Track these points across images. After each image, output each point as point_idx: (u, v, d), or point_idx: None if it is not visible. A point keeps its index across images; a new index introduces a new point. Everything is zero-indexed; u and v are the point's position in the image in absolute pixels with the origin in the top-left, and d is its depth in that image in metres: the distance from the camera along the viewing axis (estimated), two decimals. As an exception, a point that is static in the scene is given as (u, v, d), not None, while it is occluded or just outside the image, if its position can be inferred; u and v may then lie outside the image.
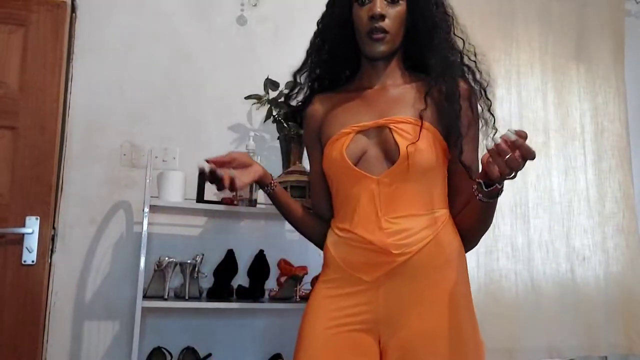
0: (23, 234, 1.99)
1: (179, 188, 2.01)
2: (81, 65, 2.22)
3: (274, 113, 2.21)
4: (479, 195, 1.10)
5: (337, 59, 1.33)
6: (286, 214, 1.37)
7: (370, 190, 1.19)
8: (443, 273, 1.17)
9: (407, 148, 1.16)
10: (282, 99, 2.22)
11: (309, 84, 1.37)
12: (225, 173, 1.15)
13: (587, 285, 2.68)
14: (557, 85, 2.83)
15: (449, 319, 1.12)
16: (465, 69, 1.26)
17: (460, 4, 2.67)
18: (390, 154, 1.20)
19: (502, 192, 1.09)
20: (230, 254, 2.05)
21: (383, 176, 1.19)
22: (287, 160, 2.15)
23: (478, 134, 1.26)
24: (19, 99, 2.06)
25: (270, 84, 2.25)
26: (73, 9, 2.21)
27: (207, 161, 1.16)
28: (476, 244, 1.27)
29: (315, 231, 1.34)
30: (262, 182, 1.32)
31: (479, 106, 1.26)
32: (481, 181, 1.08)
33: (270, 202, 1.42)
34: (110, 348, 2.12)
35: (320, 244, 1.32)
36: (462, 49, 1.28)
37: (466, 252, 1.25)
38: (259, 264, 2.05)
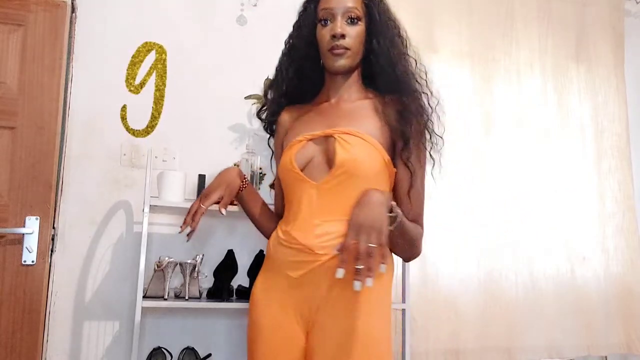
0: (23, 234, 1.99)
1: (179, 188, 2.01)
2: (81, 65, 2.22)
3: (274, 113, 2.20)
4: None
5: (304, 76, 1.44)
6: (247, 214, 1.52)
7: (310, 194, 1.29)
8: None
9: (343, 157, 1.26)
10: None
11: (278, 99, 1.49)
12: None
13: (587, 285, 2.69)
14: (557, 85, 2.83)
15: (357, 320, 1.20)
16: (418, 89, 1.36)
17: (460, 4, 2.71)
18: (331, 162, 1.29)
19: (395, 225, 1.15)
20: (230, 254, 2.05)
21: (322, 182, 1.28)
22: (287, 160, 2.15)
23: (423, 151, 1.33)
24: (18, 99, 2.06)
25: (270, 84, 2.25)
26: (73, 9, 2.21)
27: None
28: (409, 258, 1.36)
29: (267, 231, 1.46)
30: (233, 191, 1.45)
31: (428, 125, 1.34)
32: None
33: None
34: (110, 348, 2.12)
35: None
36: (415, 69, 1.39)
37: (406, 260, 1.38)
38: (259, 264, 2.04)
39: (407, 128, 1.28)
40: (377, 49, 1.35)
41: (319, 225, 1.26)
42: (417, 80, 1.36)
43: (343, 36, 1.32)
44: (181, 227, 1.39)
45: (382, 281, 1.24)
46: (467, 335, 2.45)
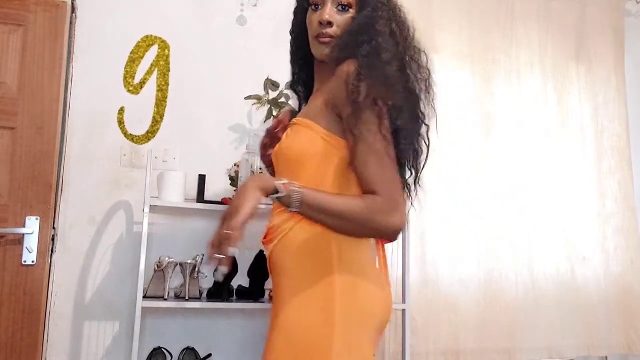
0: (23, 234, 1.99)
1: (179, 188, 2.01)
2: (81, 65, 2.22)
3: (274, 113, 2.21)
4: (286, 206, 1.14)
5: (309, 63, 1.36)
6: None
7: None
8: (287, 271, 1.17)
9: (277, 145, 1.25)
10: (282, 99, 2.22)
11: (301, 88, 1.43)
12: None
13: (587, 285, 2.69)
14: (557, 85, 2.83)
15: (283, 311, 1.15)
16: (369, 51, 1.18)
17: (460, 4, 2.71)
18: None
19: (294, 204, 1.10)
20: (230, 254, 2.04)
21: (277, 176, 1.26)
22: (287, 160, 2.15)
23: (364, 118, 1.13)
24: (18, 99, 2.06)
25: (270, 84, 2.25)
26: (73, 9, 2.21)
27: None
28: (377, 234, 1.19)
29: None
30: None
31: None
32: (272, 197, 1.11)
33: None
34: (110, 348, 2.12)
35: None
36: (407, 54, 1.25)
37: (388, 239, 1.21)
38: (259, 264, 2.05)
39: (345, 94, 1.14)
40: (350, 22, 1.23)
41: (271, 218, 1.23)
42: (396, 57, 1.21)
43: (330, 23, 1.23)
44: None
45: (317, 269, 1.15)
46: (467, 335, 2.45)
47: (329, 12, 1.24)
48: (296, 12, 1.38)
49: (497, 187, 2.62)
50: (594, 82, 2.90)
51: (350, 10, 1.25)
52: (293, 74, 1.44)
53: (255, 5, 2.46)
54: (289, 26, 1.44)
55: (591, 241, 2.74)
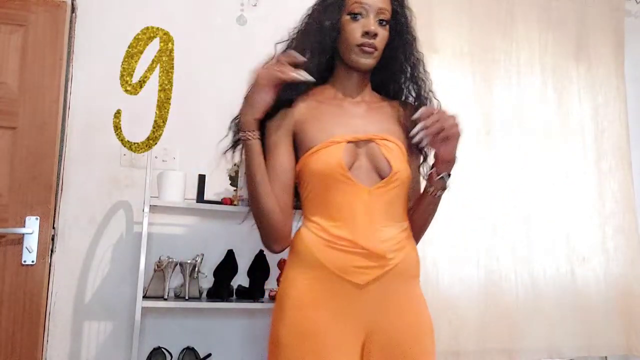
0: (23, 234, 1.99)
1: (179, 188, 2.01)
2: (81, 65, 2.22)
3: (274, 113, 2.20)
4: (436, 191, 1.34)
5: (315, 64, 1.35)
6: (256, 176, 1.31)
7: (363, 199, 1.27)
8: (415, 279, 1.37)
9: (398, 165, 1.31)
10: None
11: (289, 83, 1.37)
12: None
13: (587, 286, 2.68)
14: (557, 85, 2.83)
15: (417, 317, 1.35)
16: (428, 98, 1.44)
17: (460, 4, 2.71)
18: (379, 168, 1.30)
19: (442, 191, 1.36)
20: (230, 254, 2.05)
21: (375, 187, 1.29)
22: (287, 160, 2.14)
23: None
24: (19, 99, 2.06)
25: (270, 84, 2.25)
26: (73, 9, 2.21)
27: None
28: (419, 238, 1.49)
29: (265, 206, 1.30)
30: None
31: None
32: (444, 174, 1.33)
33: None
34: (110, 348, 2.12)
35: (269, 227, 1.31)
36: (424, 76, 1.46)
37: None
38: (259, 264, 2.05)
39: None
40: (399, 57, 1.39)
41: (380, 230, 1.27)
42: (430, 89, 1.44)
43: (375, 35, 1.31)
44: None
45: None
46: (467, 335, 2.45)
47: (374, 23, 1.32)
48: (322, 13, 1.36)
49: (497, 187, 2.62)
50: (594, 82, 2.90)
51: (387, 25, 1.36)
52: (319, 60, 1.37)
53: (255, 5, 2.46)
54: (289, 26, 1.44)
55: (591, 242, 2.73)
